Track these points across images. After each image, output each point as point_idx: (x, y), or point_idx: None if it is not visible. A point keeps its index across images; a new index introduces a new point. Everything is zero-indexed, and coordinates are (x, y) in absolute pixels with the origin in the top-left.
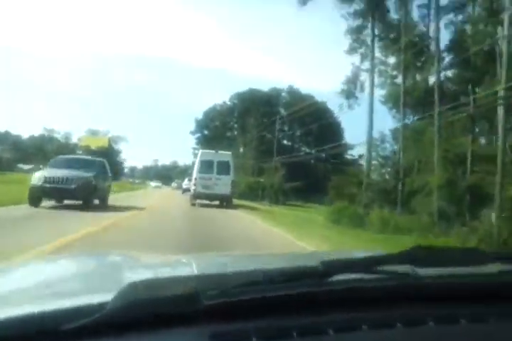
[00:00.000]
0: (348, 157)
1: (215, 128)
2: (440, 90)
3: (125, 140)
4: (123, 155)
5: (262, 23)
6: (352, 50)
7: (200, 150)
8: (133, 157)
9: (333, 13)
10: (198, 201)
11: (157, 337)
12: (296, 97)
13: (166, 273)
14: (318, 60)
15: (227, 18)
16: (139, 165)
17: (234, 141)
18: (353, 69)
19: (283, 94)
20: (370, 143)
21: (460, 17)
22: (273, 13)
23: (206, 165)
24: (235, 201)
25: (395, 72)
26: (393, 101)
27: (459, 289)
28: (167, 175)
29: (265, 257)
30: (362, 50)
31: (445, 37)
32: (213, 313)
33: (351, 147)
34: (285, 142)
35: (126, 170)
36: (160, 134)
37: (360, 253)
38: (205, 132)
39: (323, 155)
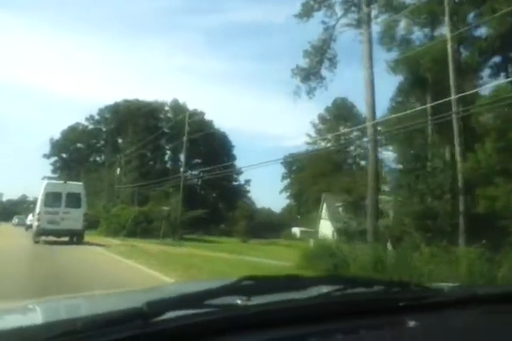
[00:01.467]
0: (234, 183)
1: (77, 151)
2: None
3: None
4: None
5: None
6: (308, 11)
7: (46, 181)
8: None
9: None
10: (44, 238)
11: None
12: (182, 113)
13: None
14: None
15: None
16: None
17: (102, 165)
18: (321, 34)
19: (166, 108)
20: (375, 133)
21: None
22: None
23: (53, 198)
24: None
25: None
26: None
27: (282, 314)
28: (13, 210)
29: (101, 297)
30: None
31: None
32: None
33: (240, 172)
34: (169, 165)
35: None
36: (4, 165)
37: (197, 285)
38: (63, 155)
39: (208, 178)
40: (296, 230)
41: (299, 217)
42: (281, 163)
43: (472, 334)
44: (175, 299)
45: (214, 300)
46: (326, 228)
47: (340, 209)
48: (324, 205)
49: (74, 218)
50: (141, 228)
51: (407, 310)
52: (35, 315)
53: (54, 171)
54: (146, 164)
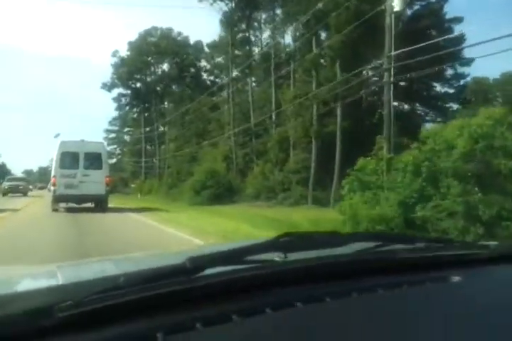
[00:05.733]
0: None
1: (153, 74)
2: None
3: None
4: None
5: None
6: None
7: (60, 140)
8: (27, 159)
9: None
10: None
11: None
12: None
13: (20, 287)
14: None
15: None
16: (36, 168)
17: (191, 95)
18: None
19: None
20: None
21: None
22: None
23: (69, 159)
24: None
25: None
26: None
27: (322, 270)
28: None
29: (137, 259)
30: None
31: None
32: (69, 326)
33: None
34: None
35: (20, 174)
36: (54, 126)
37: (234, 244)
38: (137, 85)
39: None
40: None
41: None
42: None
43: None
44: (216, 255)
45: (253, 257)
46: None
47: None
48: None
49: (95, 181)
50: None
51: (450, 266)
52: (76, 274)
53: (118, 110)
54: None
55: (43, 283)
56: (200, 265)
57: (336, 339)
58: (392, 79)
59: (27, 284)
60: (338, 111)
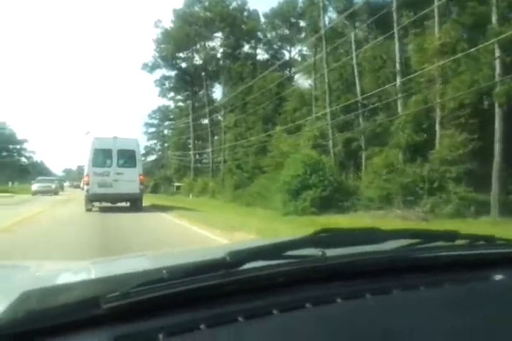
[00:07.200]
0: None
1: (202, 51)
2: None
3: None
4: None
5: None
6: None
7: (94, 137)
8: (67, 158)
9: None
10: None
11: None
12: None
13: (65, 280)
14: None
15: None
16: (74, 167)
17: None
18: None
19: None
20: None
21: None
22: None
23: (102, 156)
24: None
25: None
26: None
27: (362, 266)
28: None
29: (177, 254)
30: None
31: None
32: (115, 316)
33: None
34: None
35: (60, 173)
36: (92, 122)
37: (273, 239)
38: (179, 64)
39: None
40: None
41: None
42: None
43: None
44: (255, 250)
45: (293, 252)
46: None
47: None
48: None
49: (129, 180)
50: None
51: (493, 265)
52: (117, 268)
53: (161, 96)
54: None
55: (86, 275)
56: (241, 259)
57: (376, 336)
58: None
59: (72, 277)
60: None
